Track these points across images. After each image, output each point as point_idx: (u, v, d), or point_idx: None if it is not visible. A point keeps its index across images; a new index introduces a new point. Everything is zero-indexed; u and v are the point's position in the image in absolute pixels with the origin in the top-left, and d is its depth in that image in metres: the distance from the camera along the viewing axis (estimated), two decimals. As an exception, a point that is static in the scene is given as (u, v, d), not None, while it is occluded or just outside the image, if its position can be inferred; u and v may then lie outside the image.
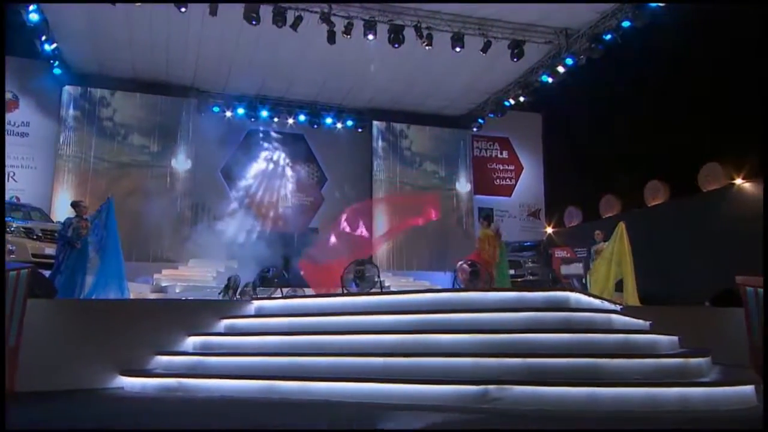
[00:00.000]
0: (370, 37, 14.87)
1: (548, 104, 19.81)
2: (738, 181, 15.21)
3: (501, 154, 21.63)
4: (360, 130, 20.69)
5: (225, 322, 8.11)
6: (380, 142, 20.51)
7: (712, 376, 6.30)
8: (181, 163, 18.61)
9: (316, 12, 14.52)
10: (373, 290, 8.41)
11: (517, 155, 21.68)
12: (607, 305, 7.90)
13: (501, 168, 21.53)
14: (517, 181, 21.52)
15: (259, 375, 6.55)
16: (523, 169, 21.65)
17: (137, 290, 12.91)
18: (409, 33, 15.04)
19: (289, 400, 6.19)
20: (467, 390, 5.64)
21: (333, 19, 14.56)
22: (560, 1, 14.48)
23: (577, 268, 14.80)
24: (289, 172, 20.16)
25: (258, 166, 19.89)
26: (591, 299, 7.62)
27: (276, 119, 19.84)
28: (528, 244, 17.65)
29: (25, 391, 7.02)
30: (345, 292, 8.46)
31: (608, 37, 15.25)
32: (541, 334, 6.20)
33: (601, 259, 12.50)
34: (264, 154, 20.09)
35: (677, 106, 18.52)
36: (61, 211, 17.04)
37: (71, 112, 17.91)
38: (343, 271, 8.73)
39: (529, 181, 21.65)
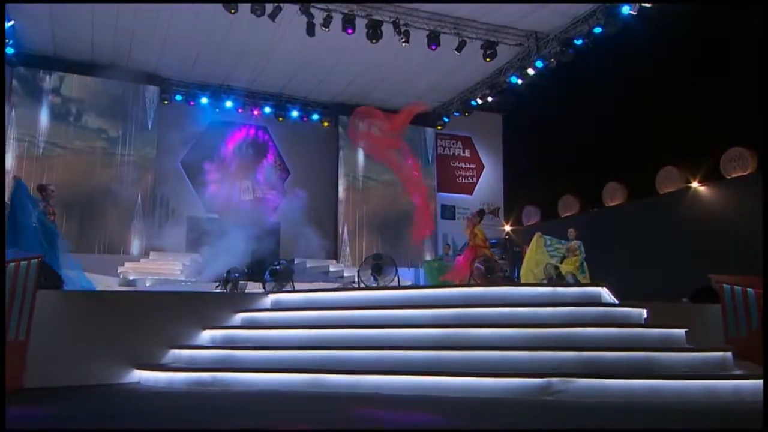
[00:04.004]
0: (349, 31, 14.76)
1: (509, 105, 20.12)
2: (694, 184, 15.89)
3: (463, 152, 21.86)
4: (325, 124, 20.45)
5: (242, 316, 7.88)
6: (345, 136, 20.32)
7: (740, 370, 6.56)
8: (140, 152, 17.84)
9: (295, 3, 14.28)
10: (391, 284, 8.32)
11: (479, 154, 21.99)
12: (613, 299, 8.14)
13: (463, 166, 21.76)
14: (478, 180, 21.82)
15: (303, 368, 6.39)
16: (484, 167, 21.96)
17: (104, 284, 12.35)
18: (385, 29, 14.97)
19: (339, 394, 6.05)
20: (529, 382, 5.69)
21: (311, 11, 14.35)
22: (537, 0, 14.70)
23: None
24: (251, 164, 19.63)
25: (220, 157, 19.29)
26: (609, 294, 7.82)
27: (240, 110, 19.31)
28: (494, 241, 17.95)
29: (35, 386, 6.71)
30: (365, 286, 8.37)
31: (579, 42, 15.66)
32: (589, 328, 6.32)
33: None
34: (226, 145, 19.51)
35: (636, 111, 19.20)
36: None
37: (20, 92, 16.88)
38: (360, 266, 8.61)
39: (489, 180, 21.96)
